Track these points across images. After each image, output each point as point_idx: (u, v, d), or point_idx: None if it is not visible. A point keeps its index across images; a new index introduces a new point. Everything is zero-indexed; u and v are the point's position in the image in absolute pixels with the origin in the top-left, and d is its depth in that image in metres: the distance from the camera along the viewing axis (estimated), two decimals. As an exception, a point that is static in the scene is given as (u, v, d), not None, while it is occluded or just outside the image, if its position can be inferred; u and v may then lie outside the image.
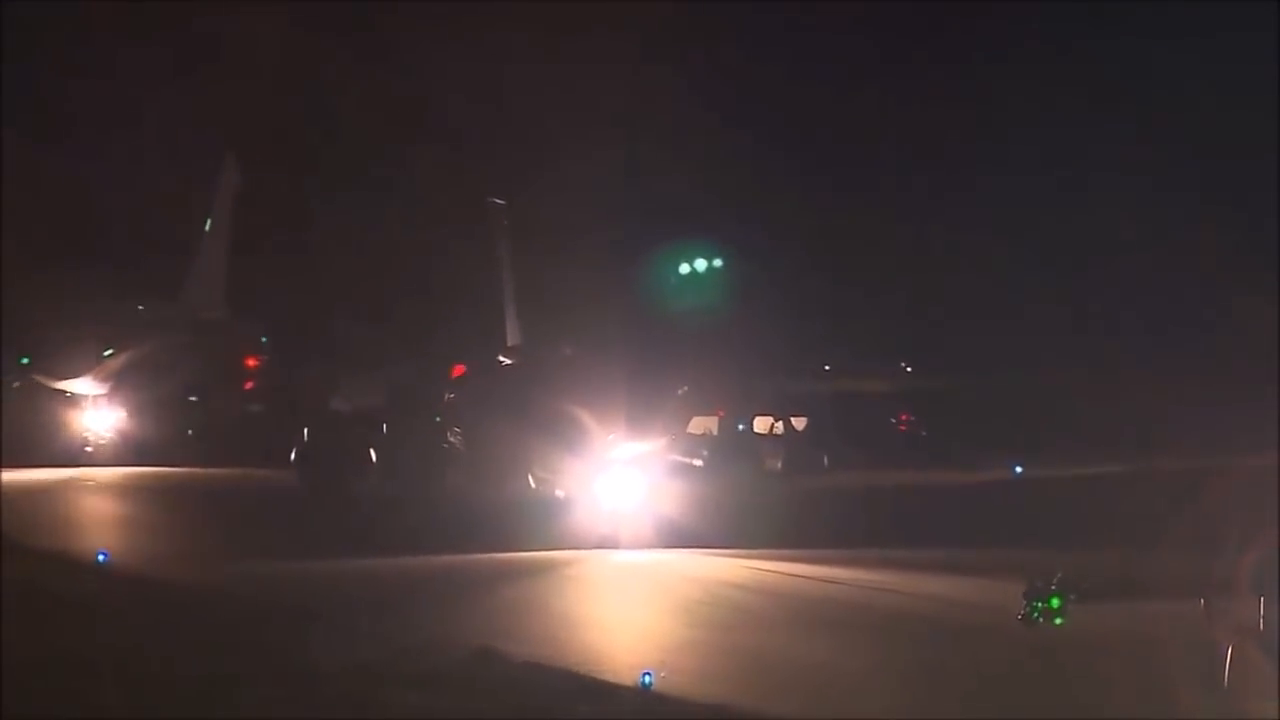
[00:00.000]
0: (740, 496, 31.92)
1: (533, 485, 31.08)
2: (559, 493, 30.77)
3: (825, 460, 35.88)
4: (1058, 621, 13.39)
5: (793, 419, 36.29)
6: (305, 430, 36.92)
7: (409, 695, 16.85)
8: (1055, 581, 13.54)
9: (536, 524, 30.17)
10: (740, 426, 35.22)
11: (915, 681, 17.87)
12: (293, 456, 36.83)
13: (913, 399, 44.55)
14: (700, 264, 36.81)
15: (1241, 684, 13.61)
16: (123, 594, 22.95)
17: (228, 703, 16.46)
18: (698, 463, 32.07)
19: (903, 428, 42.62)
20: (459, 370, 38.00)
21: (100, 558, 25.87)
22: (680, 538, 29.96)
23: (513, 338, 36.74)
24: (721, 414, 34.67)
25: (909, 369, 44.74)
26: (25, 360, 46.99)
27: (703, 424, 34.20)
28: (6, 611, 20.42)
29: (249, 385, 47.15)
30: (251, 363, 47.77)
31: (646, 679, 17.29)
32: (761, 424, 36.02)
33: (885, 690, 17.68)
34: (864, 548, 28.65)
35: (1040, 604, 13.34)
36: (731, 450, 33.74)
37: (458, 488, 31.89)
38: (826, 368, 40.73)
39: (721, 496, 31.53)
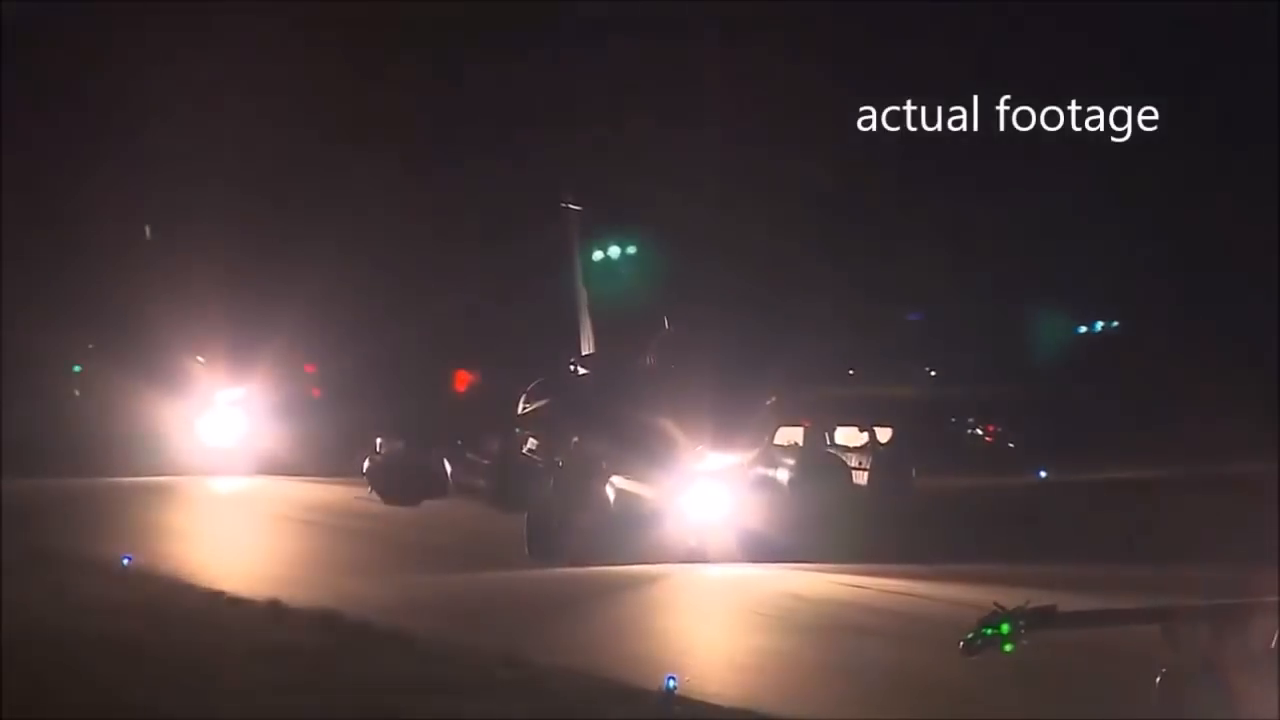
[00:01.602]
0: (827, 509, 31.52)
1: (614, 498, 30.52)
2: (643, 506, 30.26)
3: (913, 472, 35.40)
4: (1007, 649, 12.63)
5: (877, 429, 35.71)
6: (377, 441, 36.35)
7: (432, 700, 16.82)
8: (1014, 607, 12.87)
9: (618, 538, 29.82)
10: (826, 437, 34.69)
11: (968, 692, 17.43)
12: (365, 467, 36.30)
13: (988, 407, 44.26)
14: (614, 251, 36.97)
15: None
16: (153, 598, 22.98)
17: (245, 707, 16.48)
18: (784, 474, 31.54)
19: (989, 439, 42.20)
20: (462, 378, 37.61)
21: (125, 561, 25.79)
22: (767, 552, 29.77)
23: (588, 346, 36.04)
24: (808, 424, 34.13)
25: (933, 374, 44.63)
26: (78, 368, 47.02)
27: (789, 435, 33.67)
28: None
29: (315, 393, 46.60)
30: (310, 369, 47.28)
31: (670, 683, 17.20)
32: (845, 434, 35.46)
33: (925, 697, 17.56)
34: (953, 562, 28.56)
35: (990, 630, 12.61)
36: (817, 462, 33.15)
37: (535, 500, 31.31)
38: (850, 372, 40.38)
39: (808, 509, 31.17)
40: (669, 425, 30.37)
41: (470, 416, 35.82)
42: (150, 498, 38.32)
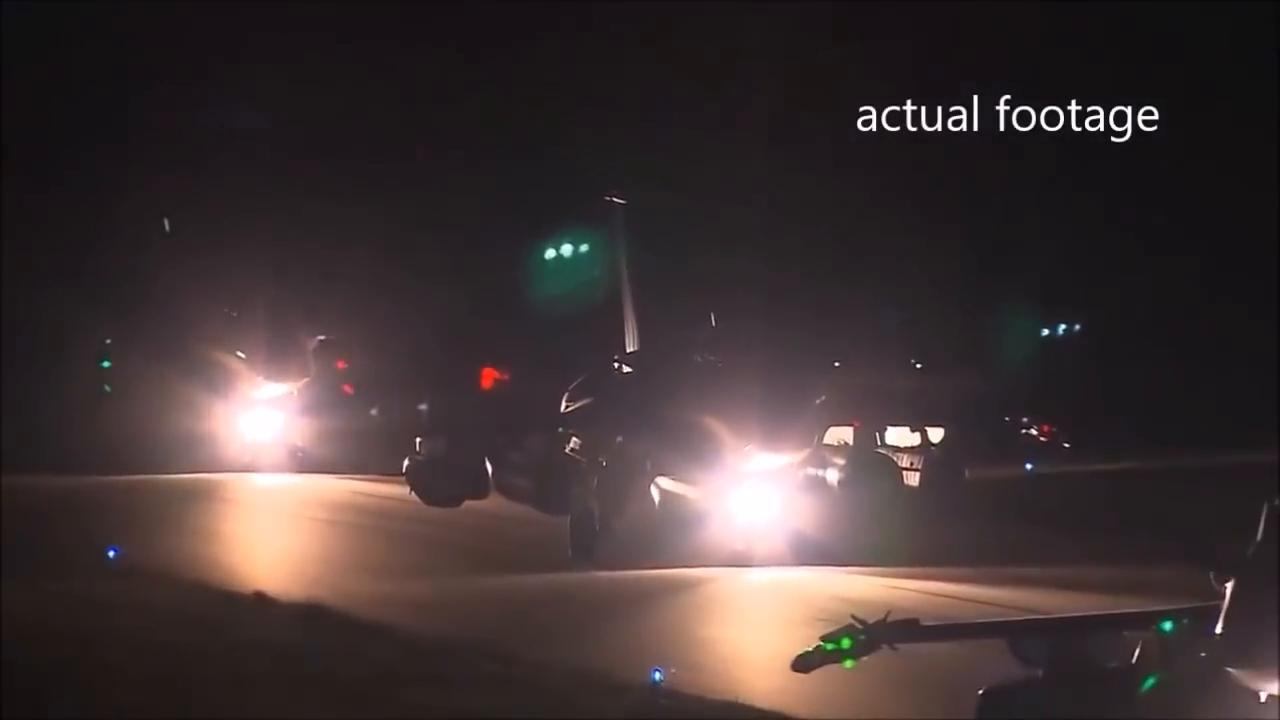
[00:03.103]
0: (877, 511, 31.11)
1: (659, 499, 30.01)
2: (689, 507, 29.73)
3: (965, 473, 35.00)
4: (847, 664, 12.26)
5: (928, 429, 35.26)
6: (417, 440, 35.85)
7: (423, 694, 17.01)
8: (874, 622, 12.37)
9: (663, 540, 29.41)
10: (876, 437, 34.29)
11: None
12: (405, 466, 35.82)
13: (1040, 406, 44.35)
14: (566, 249, 36.73)
15: None
16: (148, 594, 23.02)
17: (242, 703, 16.53)
18: (833, 475, 31.08)
19: (1043, 439, 42.19)
20: (488, 375, 37.25)
21: (110, 553, 25.82)
22: (816, 554, 29.43)
23: (632, 343, 35.46)
24: (857, 424, 33.69)
25: (919, 365, 44.53)
26: (106, 363, 46.95)
27: (838, 435, 33.21)
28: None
29: (347, 389, 46.18)
30: (341, 365, 46.90)
31: (656, 675, 17.38)
32: (896, 434, 35.01)
33: (914, 698, 17.56)
34: (1005, 565, 28.58)
35: (831, 645, 12.03)
36: (868, 462, 32.67)
37: (578, 502, 30.81)
38: (836, 364, 39.97)
39: (858, 511, 30.77)
40: (715, 424, 29.89)
41: (508, 415, 35.35)
42: (181, 497, 38.10)
